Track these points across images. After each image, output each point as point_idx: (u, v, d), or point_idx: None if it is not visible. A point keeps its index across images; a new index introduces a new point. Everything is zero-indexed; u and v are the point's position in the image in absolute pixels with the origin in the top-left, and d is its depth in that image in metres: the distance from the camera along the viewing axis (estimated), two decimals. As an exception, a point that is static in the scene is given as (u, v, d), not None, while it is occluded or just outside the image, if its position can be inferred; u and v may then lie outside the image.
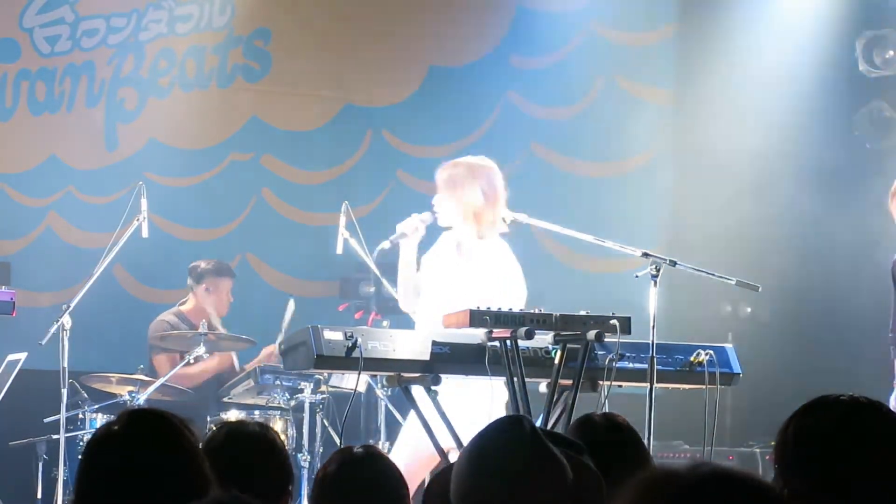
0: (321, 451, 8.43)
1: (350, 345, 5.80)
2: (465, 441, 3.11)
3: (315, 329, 5.84)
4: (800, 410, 2.92)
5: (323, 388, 8.55)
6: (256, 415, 8.19)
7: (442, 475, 3.15)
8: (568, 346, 5.91)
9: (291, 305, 8.82)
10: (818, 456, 2.82)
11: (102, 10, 10.19)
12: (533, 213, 6.68)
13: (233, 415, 8.05)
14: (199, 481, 3.01)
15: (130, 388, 8.21)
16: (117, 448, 3.14)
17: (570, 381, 5.95)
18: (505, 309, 5.88)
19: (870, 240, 9.07)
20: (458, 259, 6.74)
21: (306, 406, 8.41)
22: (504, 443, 2.99)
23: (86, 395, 8.38)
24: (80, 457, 3.22)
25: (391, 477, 3.65)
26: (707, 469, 1.98)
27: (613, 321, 5.90)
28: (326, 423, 8.56)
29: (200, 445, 3.62)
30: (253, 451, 3.75)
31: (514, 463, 2.95)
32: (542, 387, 6.01)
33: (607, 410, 4.80)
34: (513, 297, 6.57)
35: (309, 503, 3.66)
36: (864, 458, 2.82)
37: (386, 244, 6.81)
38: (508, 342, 5.81)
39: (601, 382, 6.02)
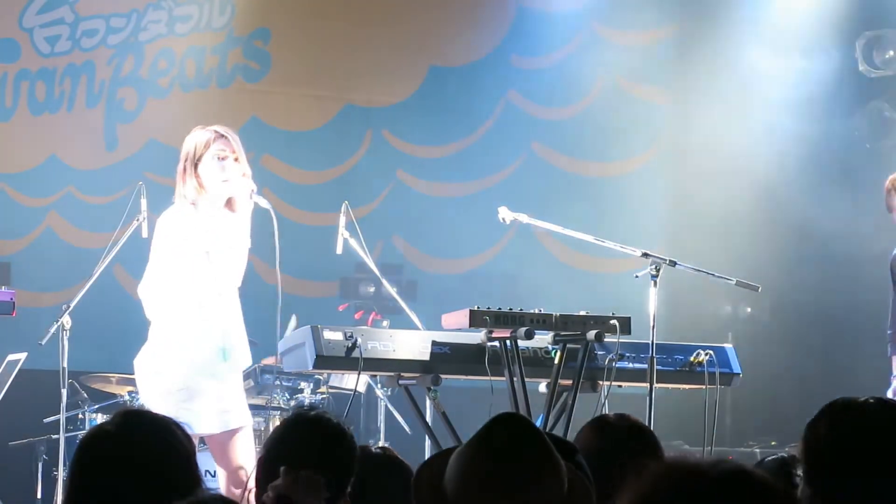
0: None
1: (350, 345, 5.79)
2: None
3: (315, 329, 5.84)
4: (825, 413, 2.89)
5: (323, 388, 8.54)
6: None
7: (430, 465, 3.14)
8: (568, 346, 5.90)
9: (293, 322, 8.53)
10: (854, 459, 2.80)
11: (102, 11, 10.20)
12: (533, 213, 6.67)
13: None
14: (188, 481, 3.01)
15: (130, 388, 8.20)
16: (109, 447, 3.15)
17: (570, 381, 5.94)
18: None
19: (869, 240, 9.06)
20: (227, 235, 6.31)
21: (306, 406, 8.40)
22: (507, 439, 2.99)
23: (86, 395, 8.38)
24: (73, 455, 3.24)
25: (408, 481, 3.63)
26: (729, 466, 1.98)
27: (613, 321, 5.89)
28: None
29: (283, 428, 3.55)
30: (333, 442, 3.68)
31: (515, 459, 2.95)
32: (542, 387, 6.00)
33: (606, 411, 4.79)
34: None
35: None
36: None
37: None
38: (508, 342, 5.80)
39: (601, 382, 6.01)
